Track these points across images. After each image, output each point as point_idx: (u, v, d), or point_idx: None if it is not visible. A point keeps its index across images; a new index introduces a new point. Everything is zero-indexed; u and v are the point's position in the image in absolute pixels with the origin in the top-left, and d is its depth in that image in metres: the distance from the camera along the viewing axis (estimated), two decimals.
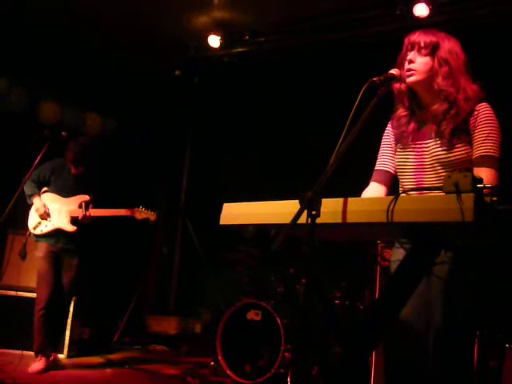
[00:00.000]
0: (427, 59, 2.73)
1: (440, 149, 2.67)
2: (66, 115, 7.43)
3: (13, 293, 6.07)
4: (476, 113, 2.65)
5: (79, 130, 7.40)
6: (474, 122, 2.64)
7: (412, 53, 2.76)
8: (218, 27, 7.44)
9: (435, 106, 2.74)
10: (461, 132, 2.64)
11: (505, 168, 2.64)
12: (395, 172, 2.89)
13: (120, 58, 7.45)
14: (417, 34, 2.79)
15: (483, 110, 2.65)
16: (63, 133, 5.08)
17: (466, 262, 2.55)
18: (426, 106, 2.79)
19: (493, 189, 2.03)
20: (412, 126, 2.81)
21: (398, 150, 2.86)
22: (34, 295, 5.86)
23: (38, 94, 7.21)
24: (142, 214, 5.47)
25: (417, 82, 2.75)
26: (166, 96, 8.04)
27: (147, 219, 5.49)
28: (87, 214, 5.39)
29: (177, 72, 8.21)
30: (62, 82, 7.02)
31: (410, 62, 2.74)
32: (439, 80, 2.70)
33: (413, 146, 2.79)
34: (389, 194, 2.88)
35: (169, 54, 7.76)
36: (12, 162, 6.36)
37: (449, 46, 2.75)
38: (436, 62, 2.71)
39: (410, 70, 2.74)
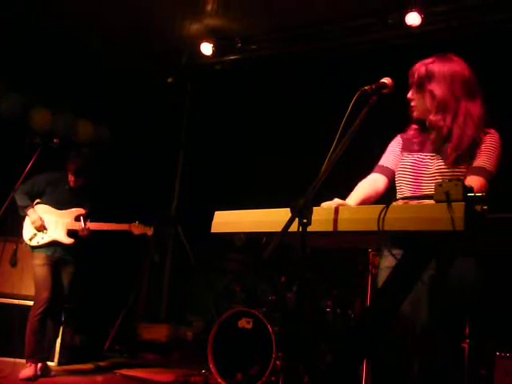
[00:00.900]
0: (420, 96, 2.81)
1: (444, 164, 2.71)
2: (58, 122, 7.41)
3: (5, 300, 6.02)
4: (483, 141, 2.69)
5: (71, 137, 7.38)
6: (480, 149, 2.69)
7: (411, 90, 2.86)
8: (210, 35, 7.46)
9: (434, 136, 2.80)
10: (466, 156, 2.68)
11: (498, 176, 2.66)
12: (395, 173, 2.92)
13: (112, 65, 7.45)
14: (415, 67, 2.86)
15: (489, 141, 2.70)
16: (55, 140, 5.08)
17: (452, 267, 2.56)
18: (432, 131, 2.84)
19: (483, 197, 2.04)
20: (421, 137, 2.86)
21: (403, 157, 2.89)
22: (26, 303, 5.85)
23: (30, 101, 7.19)
24: (138, 229, 5.52)
25: (418, 118, 2.86)
26: (159, 103, 8.04)
27: (144, 234, 5.54)
28: (87, 227, 5.42)
29: (169, 79, 8.22)
30: (54, 89, 7.00)
31: (409, 100, 2.86)
32: (431, 116, 2.77)
33: (418, 154, 2.82)
34: (387, 190, 2.90)
35: (161, 61, 7.76)
36: (3, 169, 6.33)
37: (441, 73, 2.77)
38: (427, 96, 2.78)
39: (411, 106, 2.86)
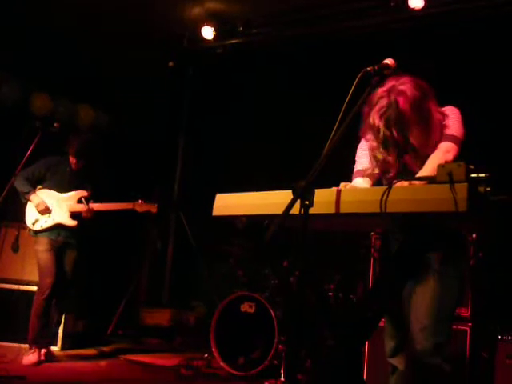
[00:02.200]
0: None
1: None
2: (59, 107, 7.38)
3: (7, 286, 6.03)
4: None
5: (72, 122, 7.35)
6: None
7: None
8: (211, 18, 7.41)
9: None
10: None
11: (501, 158, 2.64)
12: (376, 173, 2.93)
13: (113, 49, 7.39)
14: None
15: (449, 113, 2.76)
16: (55, 124, 5.05)
17: (450, 253, 2.56)
18: None
19: (486, 178, 2.03)
20: None
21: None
22: (29, 288, 5.86)
23: (30, 86, 7.16)
24: (142, 206, 5.51)
25: None
26: (160, 88, 7.99)
27: (148, 211, 5.53)
28: (90, 208, 5.40)
29: (170, 63, 8.17)
30: (54, 74, 6.97)
31: None
32: None
33: None
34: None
35: (162, 45, 7.71)
36: (3, 154, 6.31)
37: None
38: None
39: None
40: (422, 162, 2.64)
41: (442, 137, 2.69)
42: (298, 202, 2.07)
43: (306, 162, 2.46)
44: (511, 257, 4.18)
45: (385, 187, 2.10)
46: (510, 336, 4.09)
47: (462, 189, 1.92)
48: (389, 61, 2.58)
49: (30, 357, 5.19)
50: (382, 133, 2.67)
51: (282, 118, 7.15)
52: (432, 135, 2.67)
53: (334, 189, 2.25)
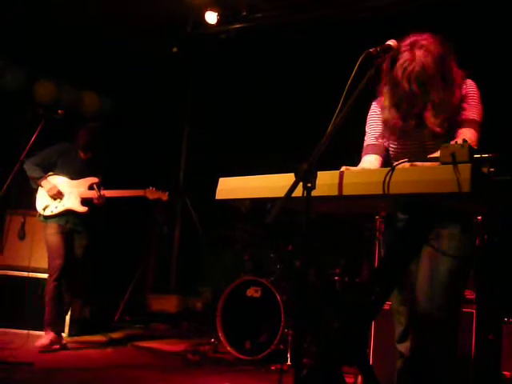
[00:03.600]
0: None
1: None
2: (63, 94, 7.37)
3: (14, 273, 6.06)
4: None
5: (76, 109, 7.35)
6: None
7: None
8: (214, 3, 7.37)
9: None
10: None
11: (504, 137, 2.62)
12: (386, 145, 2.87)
13: (117, 35, 7.36)
14: None
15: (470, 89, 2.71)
16: (59, 111, 5.04)
17: (455, 236, 2.54)
18: None
19: (490, 158, 2.01)
20: None
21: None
22: (36, 275, 5.89)
23: (34, 73, 7.15)
24: (153, 194, 5.52)
25: None
26: (164, 73, 7.97)
27: (159, 199, 5.55)
28: (102, 194, 5.42)
29: (174, 49, 8.13)
30: (59, 61, 6.96)
31: None
32: None
33: None
34: (384, 164, 2.84)
35: (166, 30, 7.69)
36: (7, 142, 6.32)
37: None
38: None
39: None
40: (442, 122, 2.62)
41: (463, 120, 2.64)
42: (301, 184, 2.06)
43: (310, 145, 2.44)
44: None
45: (388, 169, 2.08)
46: None
47: (465, 169, 1.90)
48: (391, 42, 2.56)
49: (43, 340, 5.24)
50: (402, 88, 2.64)
51: (285, 100, 7.12)
52: (453, 94, 2.64)
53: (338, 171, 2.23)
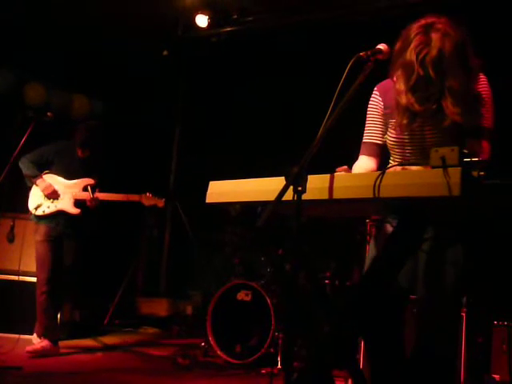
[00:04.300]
0: None
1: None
2: (52, 97, 7.35)
3: (4, 276, 6.01)
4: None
5: (65, 111, 7.32)
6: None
7: None
8: (205, 6, 7.37)
9: None
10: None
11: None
12: (384, 143, 2.79)
13: (107, 38, 7.36)
14: None
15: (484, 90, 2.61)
16: (48, 113, 5.02)
17: (452, 237, 2.53)
18: None
19: (479, 162, 2.02)
20: None
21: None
22: (28, 279, 5.85)
23: (24, 76, 7.12)
24: (149, 200, 5.43)
25: None
26: (154, 76, 7.96)
27: (155, 205, 5.47)
28: (95, 196, 5.31)
29: (165, 52, 8.13)
30: (48, 63, 6.94)
31: None
32: None
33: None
34: (380, 166, 2.79)
35: (157, 33, 7.68)
36: None
37: None
38: None
39: None
40: (463, 109, 2.48)
41: (479, 128, 2.55)
42: (292, 188, 2.07)
43: (301, 148, 2.44)
44: (506, 242, 4.18)
45: (378, 172, 2.09)
46: (506, 321, 4.11)
47: (455, 173, 1.91)
48: (382, 46, 2.54)
49: (35, 345, 5.17)
50: (416, 72, 2.49)
51: (277, 104, 7.13)
52: (472, 83, 2.54)
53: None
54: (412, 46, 2.49)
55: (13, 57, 6.80)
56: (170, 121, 8.74)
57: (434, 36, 2.47)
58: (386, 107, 2.75)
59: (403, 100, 2.58)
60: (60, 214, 5.38)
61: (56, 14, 6.85)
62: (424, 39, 2.48)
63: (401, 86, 2.59)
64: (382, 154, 2.80)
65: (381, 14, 6.66)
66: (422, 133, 2.62)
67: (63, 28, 6.96)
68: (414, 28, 2.54)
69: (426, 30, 2.50)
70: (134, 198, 5.43)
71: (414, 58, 2.48)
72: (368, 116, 2.85)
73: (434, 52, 2.45)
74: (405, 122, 2.61)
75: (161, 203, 5.48)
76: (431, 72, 2.46)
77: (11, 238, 5.89)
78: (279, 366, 4.97)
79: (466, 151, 2.00)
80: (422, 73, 2.48)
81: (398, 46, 2.56)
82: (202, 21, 7.53)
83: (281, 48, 7.27)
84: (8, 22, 6.69)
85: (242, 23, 7.58)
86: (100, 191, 5.39)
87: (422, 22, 2.54)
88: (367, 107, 2.85)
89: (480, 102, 2.58)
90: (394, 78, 2.63)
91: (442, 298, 2.51)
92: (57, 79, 7.30)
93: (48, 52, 6.88)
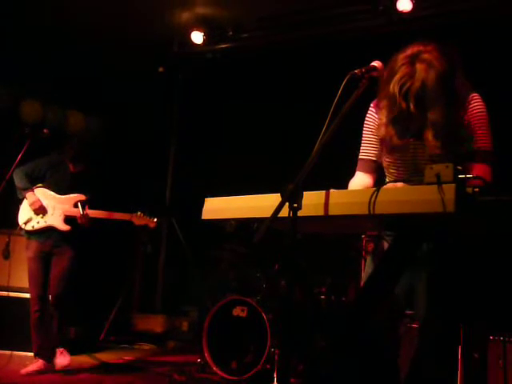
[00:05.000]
0: None
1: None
2: (48, 113, 7.36)
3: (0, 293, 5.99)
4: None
5: (61, 128, 7.33)
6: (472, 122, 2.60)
7: None
8: (200, 23, 7.42)
9: None
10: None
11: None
12: (379, 160, 2.82)
13: (103, 55, 7.40)
14: None
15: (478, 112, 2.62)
16: (45, 130, 5.02)
17: (449, 253, 2.54)
18: None
19: (483, 184, 2.03)
20: None
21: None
22: (21, 295, 5.82)
23: (20, 93, 7.14)
24: (140, 219, 5.34)
25: None
26: (150, 93, 7.99)
27: (146, 225, 5.37)
28: (85, 213, 5.20)
29: (160, 68, 8.17)
30: (44, 80, 6.96)
31: None
32: None
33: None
34: (376, 182, 2.82)
35: (152, 50, 7.72)
36: None
37: None
38: None
39: None
40: (443, 143, 2.47)
41: (477, 152, 2.55)
42: (287, 204, 2.08)
43: (297, 165, 2.46)
44: (501, 256, 4.19)
45: (373, 189, 2.10)
46: (502, 336, 4.11)
47: (449, 190, 1.92)
48: (376, 63, 2.56)
49: (30, 367, 5.10)
50: (398, 105, 2.48)
51: (272, 121, 7.16)
52: (457, 113, 2.52)
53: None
54: (396, 77, 2.50)
55: (8, 73, 6.81)
56: (166, 136, 8.76)
57: (419, 67, 2.47)
58: None
59: (382, 132, 2.64)
60: (51, 230, 5.28)
61: (52, 30, 6.88)
62: (408, 70, 2.48)
63: (382, 117, 2.63)
64: (378, 170, 2.82)
65: (378, 30, 6.71)
66: (415, 155, 2.64)
67: (59, 45, 6.99)
68: (400, 58, 2.54)
69: (412, 60, 2.50)
70: (125, 216, 5.34)
71: (396, 90, 2.48)
72: (364, 132, 2.87)
73: (417, 84, 2.45)
74: (385, 150, 2.69)
75: (152, 223, 5.38)
76: (412, 106, 2.46)
77: (7, 255, 5.86)
78: (275, 383, 4.94)
79: (460, 168, 2.02)
80: (404, 106, 2.48)
81: (384, 75, 2.55)
82: (197, 37, 7.58)
83: (275, 64, 7.32)
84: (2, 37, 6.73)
85: (237, 40, 7.62)
86: (91, 208, 5.28)
87: (408, 51, 2.54)
88: (363, 124, 2.88)
89: (473, 128, 2.58)
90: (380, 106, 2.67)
91: (442, 320, 2.52)
92: (52, 96, 7.31)
93: (43, 68, 6.90)
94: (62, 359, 5.19)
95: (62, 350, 5.24)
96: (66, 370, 5.36)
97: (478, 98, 2.63)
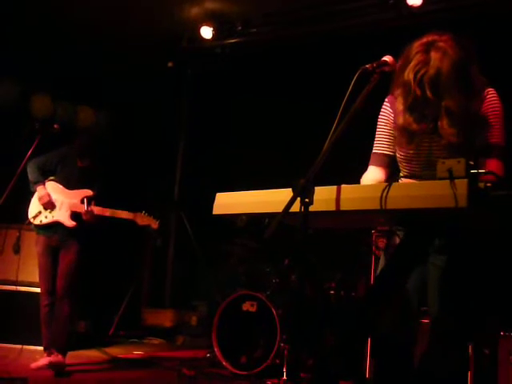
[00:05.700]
0: None
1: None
2: (58, 109, 7.38)
3: (8, 287, 6.02)
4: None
5: (71, 123, 7.35)
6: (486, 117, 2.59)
7: None
8: (210, 18, 7.42)
9: None
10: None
11: None
12: (393, 154, 2.79)
13: (112, 50, 7.41)
14: None
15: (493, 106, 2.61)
16: (55, 125, 5.02)
17: (461, 248, 2.53)
18: None
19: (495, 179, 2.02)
20: None
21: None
22: (31, 289, 5.85)
23: (30, 88, 7.16)
24: (143, 219, 5.30)
25: None
26: (159, 88, 8.00)
27: (149, 226, 5.35)
28: (89, 209, 5.16)
29: (169, 64, 8.18)
30: (54, 75, 6.97)
31: None
32: None
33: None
34: (389, 177, 2.80)
35: (161, 45, 7.72)
36: (2, 156, 6.30)
37: None
38: None
39: None
40: (460, 130, 2.46)
41: (490, 146, 2.54)
42: (299, 199, 2.07)
43: (307, 161, 2.45)
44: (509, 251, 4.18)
45: (385, 184, 2.10)
46: None
47: (461, 185, 1.91)
48: (387, 58, 2.54)
49: (40, 360, 5.08)
50: (413, 92, 2.48)
51: (281, 116, 7.15)
52: (472, 103, 2.50)
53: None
54: (411, 64, 2.49)
55: (19, 69, 6.84)
56: (175, 131, 8.77)
57: (434, 55, 2.46)
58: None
59: (400, 120, 2.61)
60: (57, 225, 5.24)
61: (61, 25, 6.90)
62: (423, 58, 2.47)
63: (399, 105, 2.61)
64: (391, 165, 2.80)
65: (388, 25, 6.68)
66: (430, 148, 2.62)
67: (69, 40, 7.01)
68: (415, 46, 2.53)
69: (427, 48, 2.49)
70: (128, 215, 5.29)
71: (411, 77, 2.47)
72: (378, 127, 2.86)
73: (431, 72, 2.44)
74: (404, 140, 2.64)
75: (155, 224, 5.34)
76: (428, 92, 2.45)
77: (17, 249, 5.88)
78: (285, 377, 4.95)
79: (472, 163, 2.01)
80: (419, 93, 2.47)
81: (399, 63, 2.55)
82: (206, 32, 7.58)
83: (285, 59, 7.30)
84: (14, 33, 6.75)
85: (246, 34, 7.62)
86: (98, 204, 5.23)
87: (424, 40, 2.53)
88: (374, 119, 2.87)
89: (486, 120, 2.57)
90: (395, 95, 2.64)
91: (454, 316, 2.51)
92: (62, 91, 7.33)
93: (53, 64, 6.92)
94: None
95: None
96: (75, 364, 5.36)
97: (493, 92, 2.61)
